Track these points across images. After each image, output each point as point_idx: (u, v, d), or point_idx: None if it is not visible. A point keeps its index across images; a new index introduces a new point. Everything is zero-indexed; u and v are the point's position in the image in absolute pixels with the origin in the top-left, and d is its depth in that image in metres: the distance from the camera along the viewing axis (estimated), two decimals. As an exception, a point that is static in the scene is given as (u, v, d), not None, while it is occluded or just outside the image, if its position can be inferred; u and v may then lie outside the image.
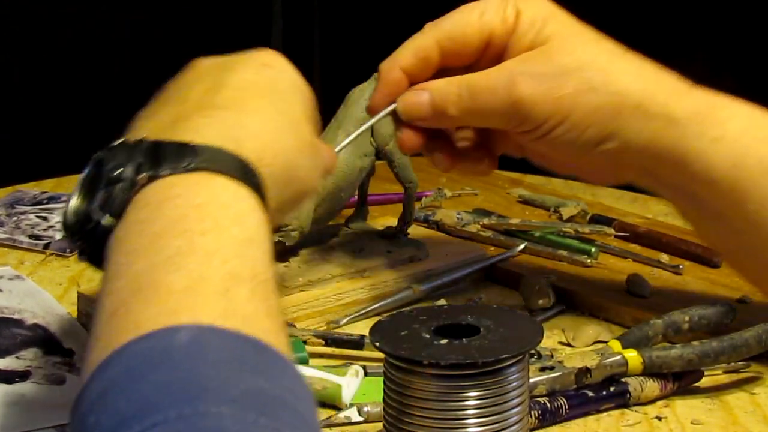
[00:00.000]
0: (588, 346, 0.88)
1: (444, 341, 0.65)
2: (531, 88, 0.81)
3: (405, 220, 1.01)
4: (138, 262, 0.55)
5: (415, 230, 1.03)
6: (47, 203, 1.18)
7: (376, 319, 0.92)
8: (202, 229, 0.56)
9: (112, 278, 0.56)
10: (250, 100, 0.67)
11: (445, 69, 0.85)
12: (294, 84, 0.71)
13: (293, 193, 0.67)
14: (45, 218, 1.14)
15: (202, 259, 0.55)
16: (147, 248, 0.56)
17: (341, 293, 0.93)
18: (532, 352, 0.78)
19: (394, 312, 0.72)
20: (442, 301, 0.90)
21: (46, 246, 1.06)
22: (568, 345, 0.89)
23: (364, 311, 0.92)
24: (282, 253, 0.95)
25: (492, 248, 1.05)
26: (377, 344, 0.66)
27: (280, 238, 0.92)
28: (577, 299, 0.95)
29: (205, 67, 0.71)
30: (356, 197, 1.02)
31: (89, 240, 0.60)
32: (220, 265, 0.55)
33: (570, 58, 0.81)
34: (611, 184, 0.89)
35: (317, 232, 0.98)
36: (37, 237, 1.08)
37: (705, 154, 0.79)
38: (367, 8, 2.40)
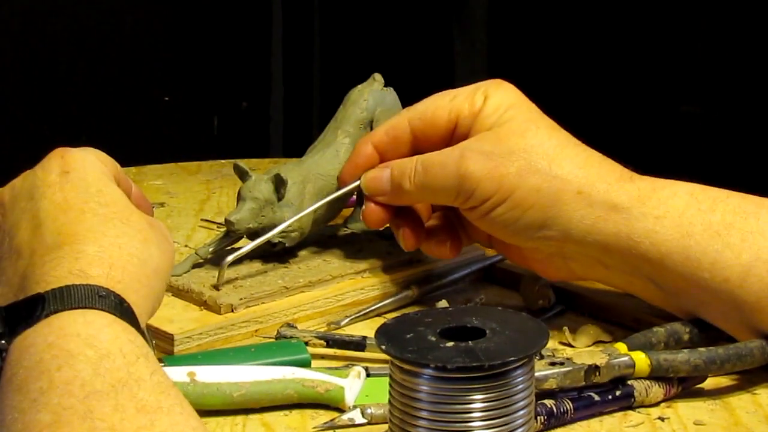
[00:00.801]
0: (588, 346, 0.89)
1: (450, 344, 0.65)
2: (478, 165, 0.85)
3: (404, 220, 1.01)
4: (9, 412, 0.59)
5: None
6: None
7: (377, 319, 0.93)
8: (57, 365, 0.60)
9: None
10: (76, 224, 0.70)
11: (419, 152, 0.89)
12: (98, 171, 0.74)
13: (157, 280, 0.72)
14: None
15: (62, 391, 0.59)
16: (14, 398, 0.60)
17: (341, 294, 0.93)
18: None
19: (399, 314, 0.72)
20: (443, 303, 0.90)
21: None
22: (569, 345, 0.89)
23: (364, 312, 0.92)
24: (282, 254, 0.95)
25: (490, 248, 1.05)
26: (383, 347, 0.65)
27: (281, 240, 0.93)
28: (576, 299, 0.95)
29: (14, 203, 0.74)
30: (354, 198, 1.02)
31: None
32: (79, 389, 0.58)
33: (518, 140, 0.86)
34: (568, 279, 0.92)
35: (317, 233, 0.98)
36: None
37: (652, 232, 0.84)
38: (367, 9, 2.40)
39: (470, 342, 0.65)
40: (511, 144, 0.86)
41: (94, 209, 0.71)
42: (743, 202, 0.84)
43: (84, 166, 0.74)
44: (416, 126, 0.90)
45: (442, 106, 0.89)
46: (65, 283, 0.65)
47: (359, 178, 0.90)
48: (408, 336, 0.66)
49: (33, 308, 0.64)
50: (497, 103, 0.88)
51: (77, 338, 0.62)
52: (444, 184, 0.87)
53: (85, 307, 0.64)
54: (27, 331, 0.63)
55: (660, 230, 0.84)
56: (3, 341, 0.63)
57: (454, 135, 0.89)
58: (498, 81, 0.90)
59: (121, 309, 0.65)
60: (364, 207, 0.91)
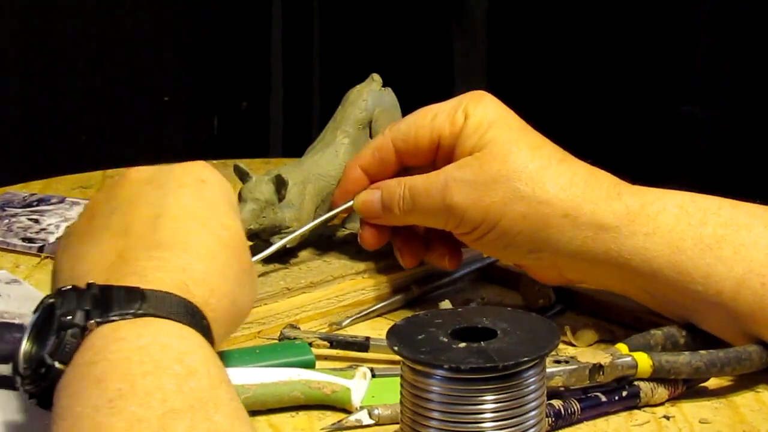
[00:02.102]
0: (589, 345, 0.89)
1: (462, 345, 0.65)
2: (462, 195, 0.85)
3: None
4: (80, 405, 0.58)
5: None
6: (37, 205, 1.17)
7: (378, 320, 0.93)
8: (143, 371, 0.59)
9: (57, 420, 0.59)
10: (193, 234, 0.69)
11: (407, 168, 0.90)
12: (227, 196, 0.74)
13: (235, 324, 0.72)
14: (36, 221, 1.13)
15: (142, 400, 0.57)
16: (89, 391, 0.59)
17: (343, 294, 0.93)
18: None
19: (410, 315, 0.72)
20: (446, 303, 0.90)
21: (41, 249, 1.06)
22: (570, 344, 0.89)
23: (365, 312, 0.92)
24: (283, 255, 0.95)
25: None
26: (395, 348, 0.66)
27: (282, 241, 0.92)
28: (576, 299, 0.95)
29: (139, 184, 0.73)
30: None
31: (40, 384, 0.62)
32: (159, 404, 0.57)
33: (501, 166, 0.85)
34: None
35: (316, 234, 0.98)
36: (30, 240, 1.08)
37: (642, 249, 0.84)
38: (367, 9, 2.40)
39: (482, 343, 0.65)
40: (494, 172, 0.85)
41: (214, 228, 0.71)
42: (735, 213, 0.84)
43: (219, 185, 0.74)
44: (400, 147, 0.90)
45: (423, 125, 0.88)
46: (168, 289, 0.64)
47: (352, 199, 0.91)
48: (419, 337, 0.67)
49: (131, 301, 0.63)
50: (478, 122, 0.87)
51: (169, 350, 0.61)
52: (432, 212, 0.87)
53: (182, 322, 0.63)
54: (119, 322, 0.62)
55: (650, 247, 0.83)
56: (92, 321, 0.62)
57: (438, 154, 0.89)
58: (479, 94, 0.89)
59: (209, 337, 0.65)
60: (360, 231, 0.91)
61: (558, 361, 0.77)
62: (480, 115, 0.87)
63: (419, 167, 0.90)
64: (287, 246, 0.93)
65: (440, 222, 0.88)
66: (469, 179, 0.85)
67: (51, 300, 0.65)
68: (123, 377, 0.59)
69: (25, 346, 0.64)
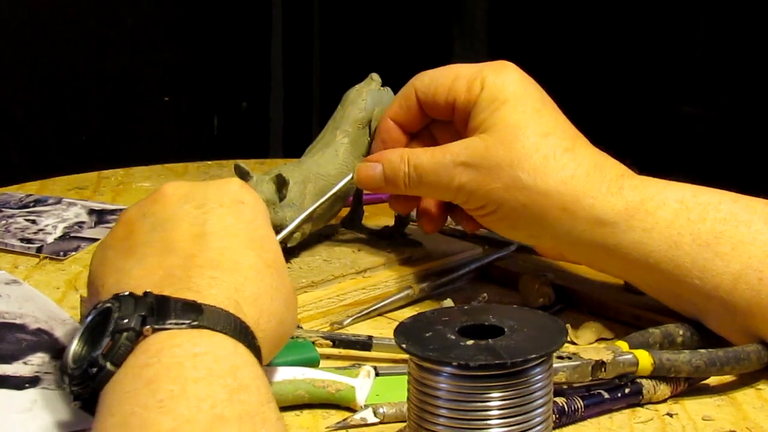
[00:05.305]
0: (591, 343, 0.89)
1: (470, 342, 0.65)
2: (467, 178, 0.87)
3: (402, 220, 1.01)
4: (130, 403, 0.58)
5: (410, 230, 1.03)
6: (34, 206, 1.17)
7: (379, 319, 0.93)
8: (195, 377, 0.59)
9: (103, 416, 0.59)
10: (241, 255, 0.70)
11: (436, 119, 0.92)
12: (264, 216, 0.75)
13: (280, 345, 0.73)
14: (34, 221, 1.13)
15: (192, 403, 0.58)
16: (140, 391, 0.59)
17: (343, 294, 0.93)
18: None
19: (416, 313, 0.72)
20: (448, 302, 0.90)
21: (39, 249, 1.05)
22: (571, 342, 0.89)
23: (366, 311, 0.92)
24: (283, 255, 0.94)
25: (486, 246, 1.05)
26: (404, 346, 0.66)
27: (284, 240, 0.92)
28: (576, 297, 0.96)
29: (177, 202, 0.73)
30: (352, 198, 1.02)
31: (89, 385, 0.62)
32: (209, 409, 0.57)
33: (505, 152, 0.86)
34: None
35: (316, 234, 0.98)
36: (28, 240, 1.07)
37: (640, 244, 0.84)
38: (367, 9, 2.40)
39: (490, 340, 0.66)
40: (499, 157, 0.85)
41: (258, 250, 0.71)
42: (735, 208, 0.84)
43: (256, 206, 0.74)
44: (421, 98, 0.91)
45: (443, 84, 0.90)
46: (223, 307, 0.64)
47: (350, 174, 0.92)
48: (427, 335, 0.67)
49: (188, 312, 0.63)
50: (493, 95, 0.87)
51: (223, 362, 0.61)
52: (440, 190, 0.89)
53: (237, 339, 0.63)
54: (175, 330, 0.62)
55: (648, 242, 0.84)
56: (148, 326, 0.62)
57: (454, 113, 0.90)
58: (501, 65, 0.89)
59: (259, 356, 0.65)
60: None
61: (561, 357, 0.77)
62: (496, 88, 0.87)
63: (440, 121, 0.92)
64: (288, 246, 0.93)
65: (448, 198, 0.89)
66: (474, 162, 0.86)
67: (107, 304, 0.65)
68: (175, 380, 0.59)
69: (75, 346, 0.65)
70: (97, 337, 0.63)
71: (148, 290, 0.65)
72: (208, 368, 0.60)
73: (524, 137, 0.86)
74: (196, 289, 0.66)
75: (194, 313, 0.63)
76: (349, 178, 0.92)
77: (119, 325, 0.62)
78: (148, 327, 0.62)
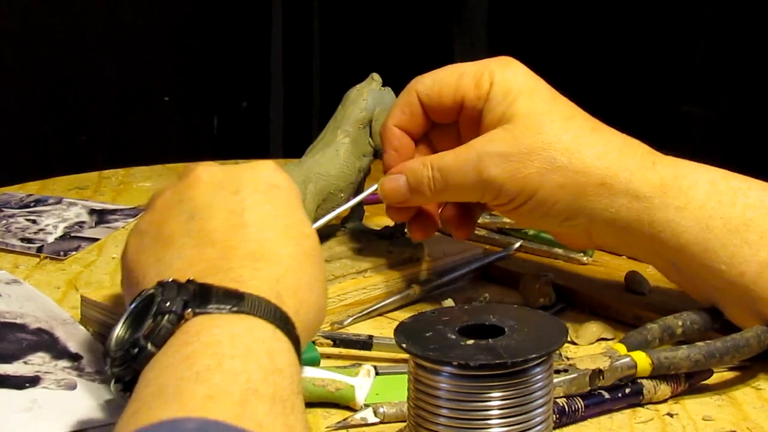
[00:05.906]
0: (591, 343, 0.89)
1: (470, 342, 0.66)
2: (498, 169, 0.85)
3: (402, 219, 1.01)
4: (167, 376, 0.59)
5: (410, 230, 1.04)
6: (35, 206, 1.17)
7: (379, 318, 0.93)
8: (232, 354, 0.60)
9: (139, 388, 0.60)
10: (280, 245, 0.70)
11: (435, 124, 0.90)
12: (298, 200, 0.75)
13: (314, 333, 0.74)
14: (34, 221, 1.13)
15: (228, 376, 0.59)
16: (177, 365, 0.60)
17: (344, 294, 0.93)
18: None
19: (416, 313, 0.72)
20: (449, 302, 0.90)
21: (39, 249, 1.05)
22: (572, 343, 0.89)
23: (367, 311, 0.92)
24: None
25: (487, 247, 1.05)
26: (404, 345, 0.66)
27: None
28: (577, 297, 0.96)
29: (213, 188, 0.74)
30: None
31: (131, 366, 0.64)
32: (244, 383, 0.59)
33: (535, 137, 0.85)
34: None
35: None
36: (29, 240, 1.07)
37: (672, 223, 0.84)
38: (367, 9, 2.40)
39: (490, 340, 0.66)
40: (529, 143, 0.85)
41: (297, 239, 0.72)
42: (763, 196, 0.84)
43: (291, 191, 0.75)
44: (424, 101, 0.90)
45: (449, 83, 0.89)
46: (264, 296, 0.65)
47: (375, 185, 0.91)
48: (427, 334, 0.67)
49: (229, 298, 0.64)
50: (506, 89, 0.87)
51: (261, 344, 0.62)
52: (467, 189, 0.87)
53: (276, 326, 0.64)
54: (216, 314, 0.63)
55: (681, 221, 0.84)
56: (189, 310, 0.63)
57: (461, 113, 0.89)
58: (505, 60, 0.89)
59: (297, 347, 0.66)
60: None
61: (558, 371, 0.77)
62: (507, 82, 0.87)
63: (442, 124, 0.90)
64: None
65: (476, 196, 0.88)
66: (503, 152, 0.85)
67: (151, 291, 0.66)
68: (212, 356, 0.60)
69: (119, 330, 0.66)
70: (140, 321, 0.64)
71: (191, 278, 0.66)
72: (246, 346, 0.61)
73: (550, 122, 0.86)
74: (239, 279, 0.67)
75: (235, 299, 0.64)
76: (373, 188, 0.92)
77: (161, 308, 0.64)
78: (189, 311, 0.63)
